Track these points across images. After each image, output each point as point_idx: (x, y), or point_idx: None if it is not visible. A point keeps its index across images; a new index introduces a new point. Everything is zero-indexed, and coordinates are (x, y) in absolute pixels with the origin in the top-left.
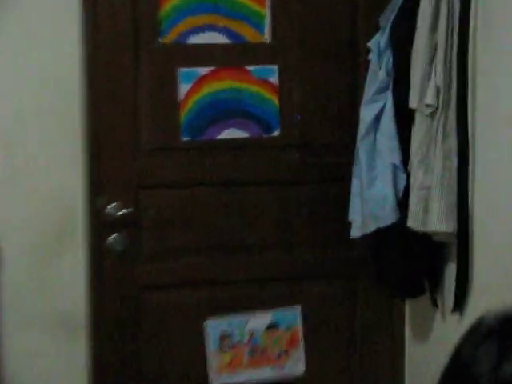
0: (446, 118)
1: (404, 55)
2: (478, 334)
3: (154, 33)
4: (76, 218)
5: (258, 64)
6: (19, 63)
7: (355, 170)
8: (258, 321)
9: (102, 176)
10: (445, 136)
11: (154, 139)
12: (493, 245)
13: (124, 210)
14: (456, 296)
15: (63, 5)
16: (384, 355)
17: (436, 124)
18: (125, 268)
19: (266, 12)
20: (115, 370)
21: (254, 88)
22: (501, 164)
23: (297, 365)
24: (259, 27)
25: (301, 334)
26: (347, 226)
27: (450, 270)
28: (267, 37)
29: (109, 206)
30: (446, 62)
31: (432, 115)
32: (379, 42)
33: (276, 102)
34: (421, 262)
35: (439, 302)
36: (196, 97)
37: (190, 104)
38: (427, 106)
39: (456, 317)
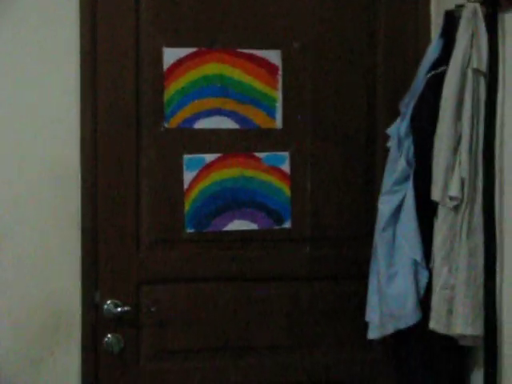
0: (472, 212)
1: (426, 144)
2: None
3: (158, 117)
4: (72, 315)
5: (268, 151)
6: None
7: (373, 265)
8: None
9: (100, 270)
10: (470, 231)
11: (157, 231)
12: None
13: (122, 308)
14: None
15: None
16: None
17: (461, 218)
18: (122, 371)
19: (278, 95)
20: None
21: (264, 176)
22: None
23: None
24: (270, 111)
25: None
26: (364, 326)
27: (477, 379)
28: (278, 122)
29: (107, 303)
30: (472, 152)
31: (456, 209)
32: (399, 128)
33: (287, 191)
34: (445, 369)
35: None
36: (202, 185)
37: (195, 193)
38: (451, 198)
39: None
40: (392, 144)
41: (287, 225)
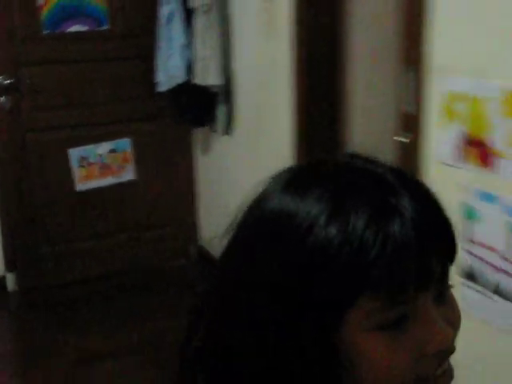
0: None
1: None
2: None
3: None
4: None
5: None
6: None
7: (160, 48)
8: (104, 147)
9: None
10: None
11: (25, 30)
12: (246, 91)
13: (7, 81)
14: (226, 124)
15: None
16: (182, 167)
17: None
18: (12, 118)
19: None
20: None
21: None
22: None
23: (129, 174)
24: None
25: (131, 155)
26: (155, 85)
27: (222, 108)
28: None
29: None
30: None
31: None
32: None
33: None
34: (203, 104)
35: (216, 129)
36: (52, 1)
37: (49, 6)
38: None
39: (227, 136)
40: None
41: (105, 27)
